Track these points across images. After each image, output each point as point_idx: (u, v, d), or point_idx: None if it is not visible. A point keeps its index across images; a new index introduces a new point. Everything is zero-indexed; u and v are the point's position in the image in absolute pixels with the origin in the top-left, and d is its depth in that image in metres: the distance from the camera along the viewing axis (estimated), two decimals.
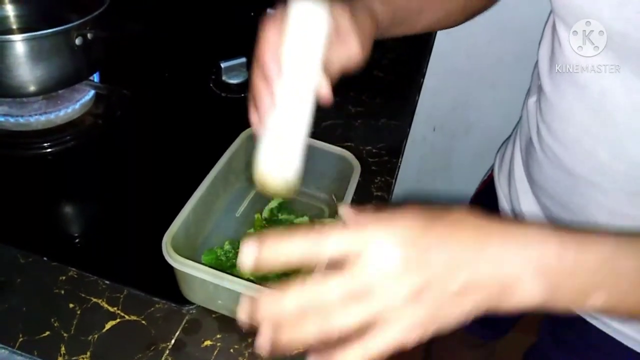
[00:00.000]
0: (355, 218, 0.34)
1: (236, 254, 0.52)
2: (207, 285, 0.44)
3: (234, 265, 0.52)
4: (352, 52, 0.47)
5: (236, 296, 0.44)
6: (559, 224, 0.37)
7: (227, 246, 0.53)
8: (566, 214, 0.56)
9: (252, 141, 0.57)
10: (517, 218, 0.66)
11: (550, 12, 0.56)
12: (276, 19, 0.45)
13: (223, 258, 0.52)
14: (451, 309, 0.33)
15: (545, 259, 0.33)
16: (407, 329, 0.32)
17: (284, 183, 0.46)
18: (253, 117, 0.47)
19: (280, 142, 0.46)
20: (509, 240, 0.33)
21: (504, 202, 0.71)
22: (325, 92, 0.45)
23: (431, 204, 0.35)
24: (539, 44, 0.58)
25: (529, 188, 0.63)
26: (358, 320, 0.32)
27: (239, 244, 0.53)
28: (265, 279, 0.49)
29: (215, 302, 0.48)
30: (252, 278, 0.48)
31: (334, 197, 0.58)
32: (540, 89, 0.57)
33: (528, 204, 0.64)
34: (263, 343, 0.33)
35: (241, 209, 0.59)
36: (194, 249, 0.50)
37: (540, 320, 0.76)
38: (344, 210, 0.35)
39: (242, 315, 0.33)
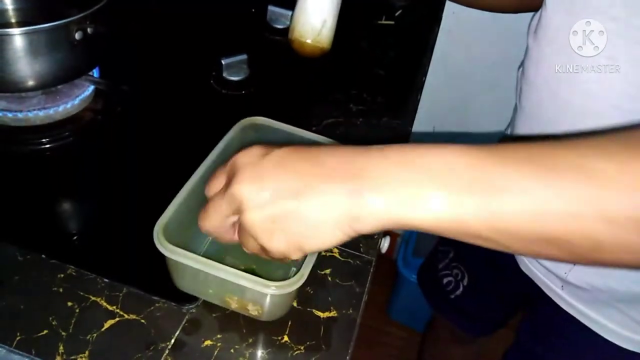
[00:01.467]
0: None
1: None
2: (197, 274, 0.44)
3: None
4: None
5: (227, 285, 0.44)
6: None
7: None
8: None
9: (247, 131, 0.57)
10: None
11: None
12: None
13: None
14: (297, 204, 0.33)
15: (387, 155, 0.32)
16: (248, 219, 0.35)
17: (310, 30, 0.53)
18: None
19: None
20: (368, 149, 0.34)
21: None
22: None
23: None
24: (533, 15, 0.63)
25: None
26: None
27: None
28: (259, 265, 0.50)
29: (206, 292, 0.48)
30: (243, 267, 0.48)
31: None
32: (525, 53, 0.61)
33: None
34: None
35: None
36: (186, 239, 0.50)
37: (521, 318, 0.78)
38: None
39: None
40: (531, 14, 0.91)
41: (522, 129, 0.61)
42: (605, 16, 0.45)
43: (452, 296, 0.88)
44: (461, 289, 0.86)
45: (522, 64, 0.63)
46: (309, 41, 0.54)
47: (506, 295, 0.85)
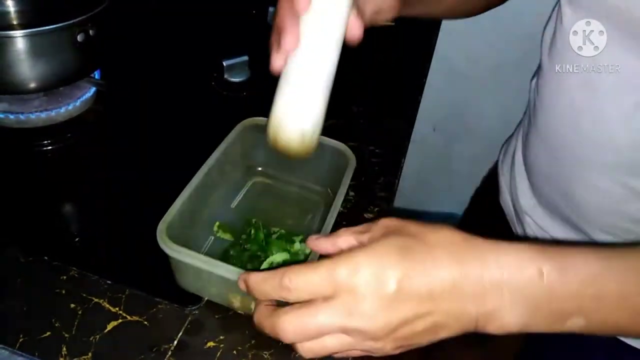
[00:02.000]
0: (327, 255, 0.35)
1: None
2: (201, 273, 0.44)
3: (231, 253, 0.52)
4: (385, 3, 0.46)
5: (231, 284, 0.44)
6: (540, 242, 0.38)
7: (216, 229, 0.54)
8: (553, 193, 0.57)
9: (249, 132, 0.57)
10: (515, 208, 0.66)
11: None
12: None
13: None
14: (425, 339, 0.34)
15: (523, 286, 0.33)
16: (379, 354, 0.35)
17: (299, 135, 0.41)
18: (274, 56, 0.42)
19: (301, 86, 0.41)
20: (486, 268, 0.33)
21: (504, 189, 0.72)
22: (357, 31, 0.42)
23: (411, 217, 0.36)
24: (546, 24, 0.59)
25: (524, 173, 0.64)
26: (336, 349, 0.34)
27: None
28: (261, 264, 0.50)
29: (208, 291, 0.48)
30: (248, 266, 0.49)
31: (329, 190, 0.58)
32: (539, 67, 0.58)
33: (522, 189, 0.64)
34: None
35: (237, 200, 0.59)
36: (188, 238, 0.51)
37: None
38: (311, 242, 0.39)
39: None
40: (532, 20, 0.89)
41: (536, 148, 0.59)
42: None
43: None
44: None
45: (535, 77, 0.62)
46: (295, 146, 0.41)
47: None
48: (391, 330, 0.33)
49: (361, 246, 0.34)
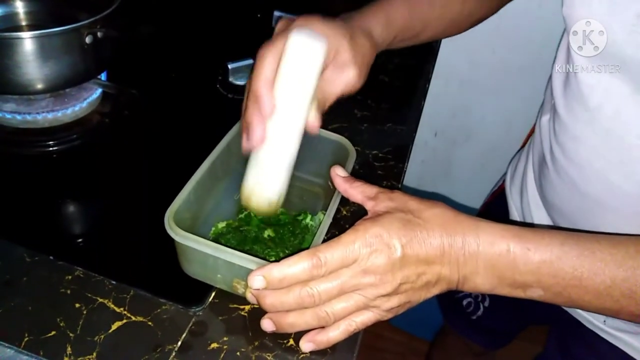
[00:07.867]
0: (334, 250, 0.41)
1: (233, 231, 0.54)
2: (207, 259, 0.45)
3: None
4: (349, 79, 0.50)
5: (235, 270, 0.45)
6: (517, 224, 0.43)
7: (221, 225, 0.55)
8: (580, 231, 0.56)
9: None
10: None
11: (564, 32, 0.55)
12: (273, 48, 0.47)
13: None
14: (421, 295, 0.43)
15: (493, 258, 0.41)
16: (387, 313, 0.43)
17: (267, 204, 0.52)
18: (245, 142, 0.50)
19: (268, 168, 0.51)
20: (467, 241, 0.41)
21: (515, 215, 0.71)
22: (314, 124, 0.49)
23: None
24: (553, 63, 0.57)
25: (541, 204, 0.63)
26: (351, 306, 0.42)
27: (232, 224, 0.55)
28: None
29: (214, 277, 0.48)
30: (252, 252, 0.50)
31: (330, 183, 0.59)
32: (554, 109, 0.56)
33: (540, 219, 0.63)
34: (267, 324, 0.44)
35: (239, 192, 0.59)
36: (194, 228, 0.52)
37: (547, 331, 0.75)
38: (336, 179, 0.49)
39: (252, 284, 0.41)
40: (534, 26, 0.89)
41: (559, 189, 0.57)
42: None
43: (474, 317, 0.86)
44: (482, 309, 0.85)
45: (544, 114, 0.60)
46: (263, 210, 0.52)
47: (529, 314, 0.82)
48: (397, 285, 0.41)
49: (369, 219, 0.42)
